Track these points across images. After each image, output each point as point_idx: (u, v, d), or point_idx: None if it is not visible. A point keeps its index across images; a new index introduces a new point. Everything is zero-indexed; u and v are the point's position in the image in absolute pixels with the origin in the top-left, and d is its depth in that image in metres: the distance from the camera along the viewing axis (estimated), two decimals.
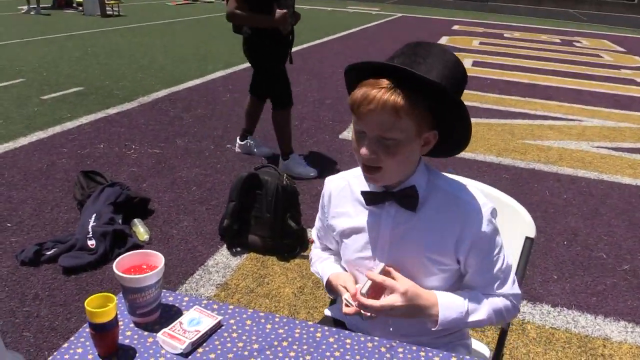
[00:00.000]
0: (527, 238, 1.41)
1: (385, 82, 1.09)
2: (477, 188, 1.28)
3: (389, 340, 1.12)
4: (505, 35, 13.80)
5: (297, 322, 1.15)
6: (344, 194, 1.32)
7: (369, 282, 1.18)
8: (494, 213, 1.21)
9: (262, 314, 1.17)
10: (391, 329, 1.31)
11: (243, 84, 6.54)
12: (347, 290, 1.23)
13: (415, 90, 1.08)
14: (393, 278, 1.19)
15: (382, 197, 1.22)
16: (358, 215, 1.28)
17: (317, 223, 1.46)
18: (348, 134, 4.92)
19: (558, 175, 4.29)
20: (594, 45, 13.28)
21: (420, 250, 1.21)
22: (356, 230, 1.28)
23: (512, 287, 1.24)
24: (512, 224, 1.40)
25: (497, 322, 1.24)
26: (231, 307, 1.18)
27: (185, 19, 13.42)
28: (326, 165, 4.12)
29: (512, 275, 1.25)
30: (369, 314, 1.16)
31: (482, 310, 1.20)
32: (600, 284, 2.81)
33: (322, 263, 1.42)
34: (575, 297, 2.68)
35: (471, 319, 1.20)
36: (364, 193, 1.24)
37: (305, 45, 9.76)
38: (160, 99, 5.72)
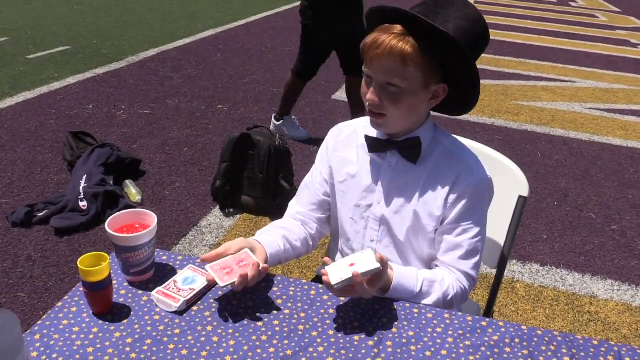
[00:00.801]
0: (520, 197, 1.41)
1: (397, 28, 1.08)
2: (473, 148, 1.27)
3: (383, 298, 1.14)
4: None
5: (291, 280, 1.16)
6: (349, 140, 1.32)
7: (348, 280, 1.03)
8: (490, 184, 1.21)
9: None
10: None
11: (234, 43, 6.43)
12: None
13: (427, 40, 1.07)
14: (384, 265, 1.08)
15: (385, 145, 1.22)
16: (360, 162, 1.28)
17: (308, 178, 1.39)
18: (341, 94, 4.88)
19: (550, 136, 4.30)
20: (590, 5, 13.10)
21: (413, 203, 1.22)
22: (355, 177, 1.28)
23: (471, 268, 1.21)
24: (506, 183, 1.40)
25: (443, 305, 1.18)
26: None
27: None
28: (319, 126, 4.09)
29: (476, 261, 1.22)
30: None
31: (432, 296, 1.17)
32: (588, 243, 2.85)
33: (270, 232, 1.30)
34: (564, 257, 2.72)
35: (419, 300, 1.16)
36: (367, 138, 1.24)
37: (297, 3, 9.54)
38: (150, 59, 5.61)
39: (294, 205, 1.41)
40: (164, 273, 1.16)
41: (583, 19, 10.65)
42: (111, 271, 1.04)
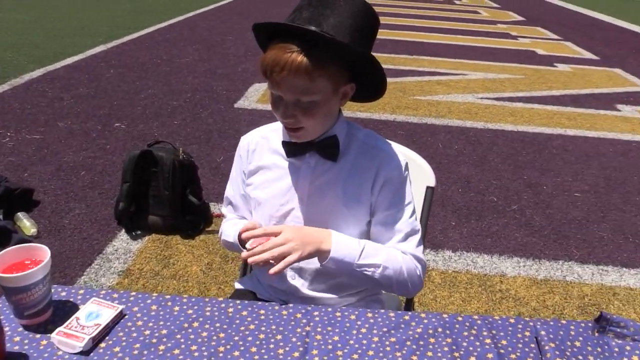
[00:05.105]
0: (427, 187, 1.44)
1: (294, 46, 1.05)
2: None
3: (304, 305, 1.11)
4: None
5: (206, 300, 1.10)
6: (261, 148, 1.30)
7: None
8: (406, 166, 1.24)
9: (167, 296, 1.10)
10: (301, 286, 1.30)
11: (127, 57, 6.15)
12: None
13: (326, 48, 1.06)
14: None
15: (303, 148, 1.21)
16: (277, 168, 1.26)
17: (230, 191, 1.40)
18: (244, 102, 4.81)
19: (449, 127, 4.50)
20: (472, 2, 13.97)
21: (338, 200, 1.22)
22: (275, 182, 1.26)
23: (416, 248, 1.23)
24: (413, 175, 1.42)
25: (396, 279, 1.18)
26: (133, 293, 1.10)
27: None
28: (225, 136, 4.00)
29: (419, 239, 1.24)
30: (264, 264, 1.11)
31: (380, 256, 1.17)
32: (493, 225, 3.01)
33: (235, 226, 1.32)
34: (472, 240, 2.85)
35: (366, 260, 1.15)
36: (284, 144, 1.22)
37: (191, 14, 9.34)
38: (36, 80, 5.21)
39: (231, 216, 1.42)
40: (64, 311, 1.05)
41: (467, 15, 11.33)
42: (1, 317, 0.93)
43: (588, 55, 7.86)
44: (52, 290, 1.07)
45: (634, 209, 3.29)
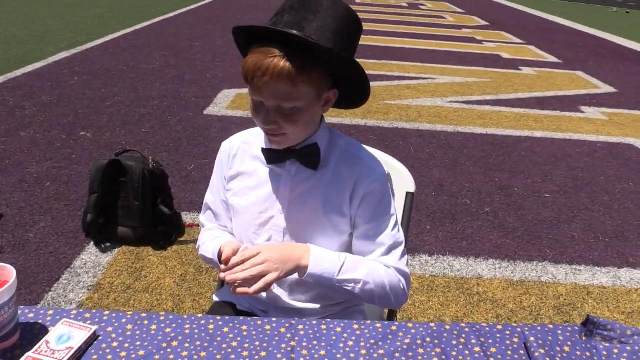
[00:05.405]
0: (407, 193, 1.43)
1: (276, 50, 1.02)
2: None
3: (287, 319, 1.07)
4: (356, 0, 14.18)
5: (185, 317, 1.05)
6: (242, 153, 1.26)
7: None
8: (388, 177, 1.21)
9: (144, 314, 1.04)
10: (281, 295, 1.27)
11: (91, 64, 6.00)
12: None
13: (308, 53, 1.03)
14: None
15: (284, 155, 1.17)
16: (257, 175, 1.23)
17: (210, 197, 1.35)
18: (213, 109, 4.74)
19: (419, 131, 4.52)
20: (437, 7, 14.18)
21: (318, 209, 1.18)
22: (255, 189, 1.23)
23: (398, 261, 1.20)
24: (393, 181, 1.40)
25: (378, 294, 1.16)
26: (106, 313, 1.04)
27: None
28: (195, 143, 3.92)
29: (402, 252, 1.21)
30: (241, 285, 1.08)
31: (360, 271, 1.14)
32: (468, 228, 3.02)
33: (214, 240, 1.28)
34: (448, 244, 2.85)
35: (346, 275, 1.13)
36: (264, 151, 1.19)
37: (157, 19, 9.19)
38: None
39: (211, 226, 1.37)
40: (33, 334, 0.99)
41: (433, 20, 11.49)
42: None
43: (551, 58, 8.05)
44: (19, 312, 1.00)
45: (602, 209, 3.36)
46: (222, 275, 1.09)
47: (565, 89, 6.26)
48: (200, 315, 1.06)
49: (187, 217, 2.92)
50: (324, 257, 1.13)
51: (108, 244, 2.66)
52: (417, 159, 3.92)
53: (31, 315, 1.03)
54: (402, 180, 1.42)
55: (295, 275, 1.14)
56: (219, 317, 1.04)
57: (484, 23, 11.54)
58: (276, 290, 1.27)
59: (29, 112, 4.44)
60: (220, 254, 1.19)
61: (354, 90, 1.16)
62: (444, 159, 3.96)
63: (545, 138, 4.55)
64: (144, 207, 2.63)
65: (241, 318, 1.05)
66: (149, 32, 8.04)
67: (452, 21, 11.55)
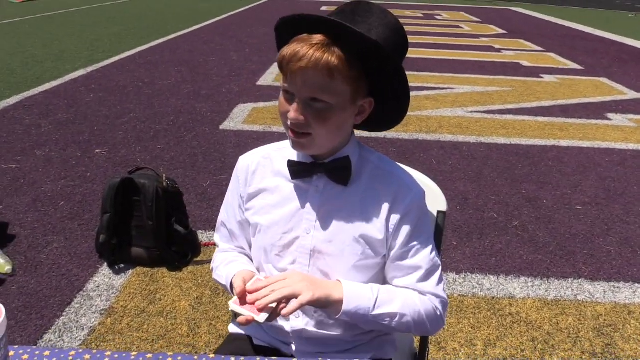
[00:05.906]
0: (439, 212, 1.30)
1: (319, 37, 0.96)
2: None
3: (313, 354, 0.95)
4: None
5: (195, 358, 0.93)
6: (262, 169, 1.16)
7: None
8: (424, 196, 1.12)
9: (149, 355, 0.93)
10: (306, 325, 1.15)
11: (107, 81, 6.00)
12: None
13: (352, 51, 0.96)
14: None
15: (311, 169, 1.08)
16: (280, 191, 1.12)
17: (225, 216, 1.25)
18: (229, 124, 4.66)
19: (441, 142, 4.39)
20: (453, 17, 14.06)
21: (350, 229, 1.08)
22: (277, 207, 1.12)
23: (435, 287, 1.10)
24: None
25: (415, 324, 1.07)
26: (108, 353, 0.93)
27: (35, 17, 12.10)
28: (210, 159, 3.84)
29: (439, 276, 1.12)
30: (264, 314, 0.97)
31: (396, 303, 1.05)
32: (496, 243, 2.87)
33: (228, 265, 1.18)
34: (476, 261, 2.71)
35: (381, 309, 1.04)
36: (290, 163, 1.09)
37: (172, 36, 9.21)
38: (12, 107, 5.03)
39: (225, 247, 1.26)
40: None
41: (449, 29, 11.37)
42: None
43: (573, 65, 7.86)
44: (13, 352, 0.90)
45: (638, 220, 3.18)
46: (240, 320, 0.98)
47: (590, 96, 6.07)
48: (212, 356, 0.94)
49: (203, 236, 2.82)
50: (356, 291, 1.03)
51: (122, 266, 2.58)
52: (439, 172, 3.78)
53: (25, 356, 0.93)
54: (434, 198, 1.30)
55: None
56: (233, 358, 0.93)
57: (501, 31, 11.38)
58: (300, 319, 1.15)
59: (44, 130, 4.41)
60: (232, 285, 1.08)
61: (388, 107, 1.07)
62: (467, 171, 3.82)
63: (572, 147, 4.38)
64: (158, 226, 2.54)
65: (258, 359, 0.94)
66: (164, 48, 8.06)
67: (468, 30, 11.41)
